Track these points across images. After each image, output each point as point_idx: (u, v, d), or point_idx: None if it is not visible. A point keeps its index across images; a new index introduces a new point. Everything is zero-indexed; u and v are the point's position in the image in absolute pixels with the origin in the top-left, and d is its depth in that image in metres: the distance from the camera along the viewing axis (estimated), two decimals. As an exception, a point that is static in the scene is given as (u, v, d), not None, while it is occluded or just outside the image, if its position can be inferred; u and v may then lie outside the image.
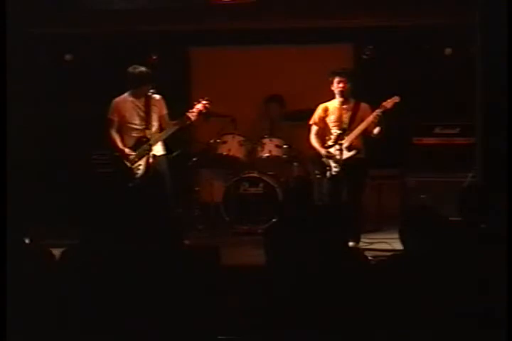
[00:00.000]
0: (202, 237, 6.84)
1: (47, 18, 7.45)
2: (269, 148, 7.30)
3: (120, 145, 6.30)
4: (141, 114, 6.35)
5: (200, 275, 3.67)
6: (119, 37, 7.84)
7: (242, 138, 7.33)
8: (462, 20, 6.58)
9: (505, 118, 5.55)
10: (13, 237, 3.81)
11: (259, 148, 7.33)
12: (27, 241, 4.23)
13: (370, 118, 6.26)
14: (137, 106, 6.36)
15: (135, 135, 6.35)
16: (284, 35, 7.83)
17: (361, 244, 6.28)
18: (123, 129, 6.36)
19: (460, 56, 7.53)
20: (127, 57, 7.11)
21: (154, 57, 7.80)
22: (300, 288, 3.41)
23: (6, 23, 5.52)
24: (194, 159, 7.41)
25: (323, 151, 6.37)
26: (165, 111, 6.41)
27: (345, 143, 6.26)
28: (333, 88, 6.40)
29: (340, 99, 6.41)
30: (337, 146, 6.25)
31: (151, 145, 6.30)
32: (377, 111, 6.23)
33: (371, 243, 6.44)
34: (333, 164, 6.29)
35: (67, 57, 7.96)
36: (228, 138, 7.33)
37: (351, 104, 6.42)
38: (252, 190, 7.28)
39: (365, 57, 7.84)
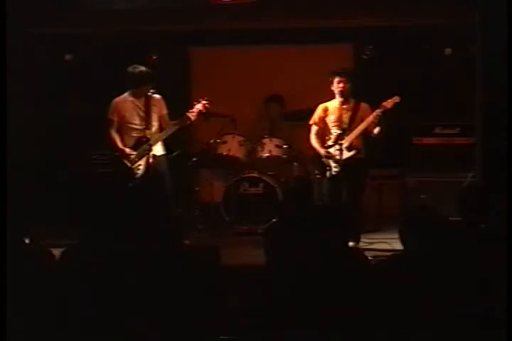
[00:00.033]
0: (202, 237, 6.84)
1: (47, 18, 7.45)
2: (269, 148, 7.30)
3: (120, 145, 6.30)
4: (141, 113, 6.35)
5: (200, 275, 3.67)
6: (119, 37, 7.84)
7: (242, 138, 7.33)
8: (462, 20, 6.58)
9: (505, 118, 5.55)
10: (13, 237, 3.81)
11: (259, 148, 7.33)
12: (27, 241, 4.23)
13: (370, 118, 6.26)
14: (137, 106, 6.36)
15: (135, 135, 6.34)
16: (284, 35, 7.83)
17: (361, 244, 6.28)
18: (123, 129, 6.36)
19: (460, 56, 7.53)
20: (127, 57, 7.11)
21: (154, 57, 7.79)
22: (300, 288, 3.41)
23: (6, 23, 5.52)
24: (194, 159, 7.41)
25: (322, 151, 6.36)
26: (165, 111, 6.41)
27: (345, 143, 6.25)
28: (333, 88, 6.40)
29: (340, 99, 6.41)
30: (337, 146, 6.25)
31: (151, 145, 6.30)
32: (378, 111, 6.23)
33: (371, 243, 6.44)
34: (333, 164, 6.28)
35: (67, 57, 7.96)
36: (228, 138, 7.33)
37: (351, 104, 6.41)
38: (252, 190, 7.28)
39: (365, 57, 7.84)
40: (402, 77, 7.52)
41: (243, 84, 7.95)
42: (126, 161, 6.29)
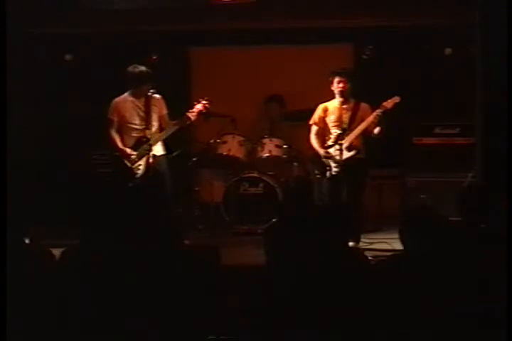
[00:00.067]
0: (202, 237, 6.84)
1: (47, 18, 7.45)
2: (269, 148, 7.30)
3: (120, 145, 6.30)
4: (141, 113, 6.35)
5: (200, 275, 3.67)
6: (119, 37, 7.84)
7: (242, 138, 7.33)
8: (462, 20, 6.58)
9: (505, 118, 5.55)
10: (13, 237, 3.81)
11: (259, 148, 7.32)
12: (27, 241, 4.23)
13: (371, 118, 6.26)
14: (137, 106, 6.36)
15: (135, 135, 6.34)
16: (284, 35, 7.83)
17: (361, 244, 6.28)
18: (123, 129, 6.36)
19: (460, 56, 7.53)
20: (127, 57, 7.10)
21: (154, 57, 7.79)
22: (300, 288, 3.41)
23: (6, 23, 5.52)
24: (194, 159, 7.40)
25: (322, 152, 6.36)
26: (165, 111, 6.41)
27: (345, 143, 6.25)
28: (333, 88, 6.40)
29: (340, 99, 6.41)
30: (337, 146, 6.25)
31: (151, 145, 6.30)
32: (378, 112, 6.23)
33: (371, 243, 6.44)
34: (333, 164, 6.28)
35: (67, 57, 7.96)
36: (228, 138, 7.33)
37: (351, 104, 6.41)
38: (252, 190, 7.28)
39: (365, 57, 7.84)
40: (402, 77, 7.52)
41: (243, 84, 7.95)
42: (126, 161, 6.29)
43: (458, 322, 3.19)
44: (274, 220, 6.78)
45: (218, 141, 7.29)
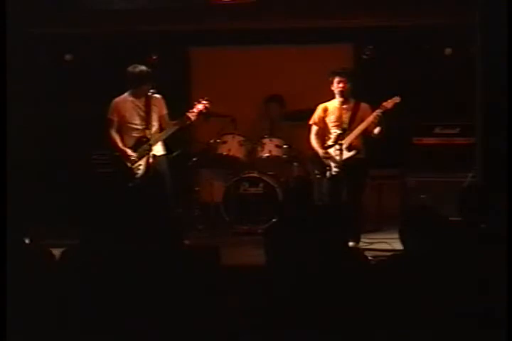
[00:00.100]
0: (202, 237, 6.84)
1: (47, 18, 7.45)
2: (269, 148, 7.30)
3: (120, 145, 6.30)
4: (142, 113, 6.34)
5: (200, 275, 3.66)
6: (119, 37, 7.84)
7: (242, 138, 7.33)
8: (462, 20, 6.58)
9: (505, 118, 5.55)
10: (13, 237, 3.81)
11: (259, 148, 7.33)
12: (27, 241, 4.23)
13: (371, 118, 6.26)
14: (137, 106, 6.35)
15: (135, 135, 6.34)
16: (284, 35, 7.83)
17: (361, 244, 6.28)
18: (123, 129, 6.36)
19: (460, 56, 7.53)
20: (127, 57, 7.10)
21: (154, 57, 7.79)
22: (300, 288, 3.41)
23: (6, 23, 5.52)
24: (194, 159, 7.41)
25: (321, 152, 6.37)
26: (165, 111, 6.41)
27: (345, 143, 6.25)
28: (333, 88, 6.40)
29: (340, 99, 6.40)
30: (337, 146, 6.25)
31: (151, 145, 6.30)
32: (378, 112, 6.23)
33: (371, 243, 6.44)
34: (333, 164, 6.29)
35: (67, 57, 7.96)
36: (228, 138, 7.33)
37: (351, 104, 6.41)
38: (252, 190, 7.28)
39: (365, 57, 7.84)
40: (402, 77, 7.52)
41: (243, 84, 7.95)
42: (126, 161, 6.29)
43: (458, 322, 3.19)
44: (274, 220, 6.78)
45: (218, 141, 7.29)
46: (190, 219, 7.24)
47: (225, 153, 7.29)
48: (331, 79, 6.38)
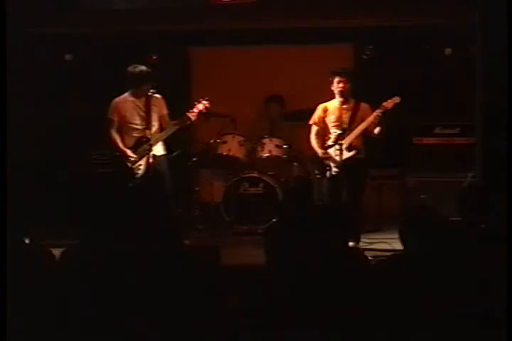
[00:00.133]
0: (202, 237, 6.84)
1: (47, 18, 7.46)
2: (269, 148, 7.30)
3: (121, 145, 6.30)
4: (142, 113, 6.34)
5: (200, 275, 3.66)
6: (119, 37, 7.84)
7: (242, 138, 7.33)
8: (462, 20, 6.58)
9: (505, 118, 5.55)
10: (13, 237, 3.81)
11: (259, 148, 7.33)
12: (27, 241, 4.23)
13: (371, 118, 6.26)
14: (137, 106, 6.35)
15: (135, 135, 6.34)
16: (284, 35, 7.83)
17: (361, 244, 6.28)
18: (123, 129, 6.36)
19: (460, 56, 7.53)
20: (127, 57, 7.10)
21: (154, 57, 7.79)
22: (300, 288, 3.41)
23: (6, 23, 5.52)
24: (194, 159, 7.41)
25: (320, 153, 6.37)
26: (165, 111, 6.41)
27: (345, 143, 6.25)
28: (333, 88, 6.40)
29: (340, 99, 6.40)
30: (337, 146, 6.25)
31: (151, 145, 6.29)
32: (378, 112, 6.23)
33: (371, 243, 6.44)
34: (333, 164, 6.29)
35: (67, 57, 7.96)
36: (228, 138, 7.33)
37: (351, 104, 6.41)
38: (252, 190, 7.28)
39: (365, 57, 7.84)
40: (402, 77, 7.53)
41: (243, 84, 7.95)
42: (126, 161, 6.29)
43: (458, 322, 3.19)
44: (274, 220, 6.78)
45: (218, 141, 7.29)
46: (190, 219, 7.24)
47: (225, 153, 7.29)
48: (331, 79, 6.38)
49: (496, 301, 3.23)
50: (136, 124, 6.34)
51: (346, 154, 6.24)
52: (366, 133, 6.33)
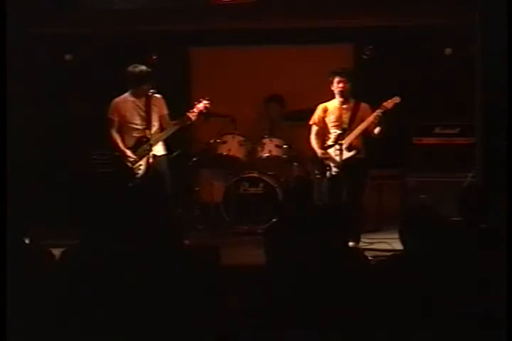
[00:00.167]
0: (202, 237, 6.84)
1: (47, 18, 7.46)
2: (269, 148, 7.30)
3: (121, 145, 6.30)
4: (142, 113, 6.34)
5: (200, 275, 3.66)
6: (119, 37, 7.84)
7: (242, 138, 7.33)
8: (462, 20, 6.58)
9: (505, 118, 5.55)
10: (13, 237, 3.81)
11: (259, 148, 7.32)
12: (27, 241, 4.23)
13: (371, 118, 6.26)
14: (138, 106, 6.35)
15: (135, 135, 6.34)
16: (284, 35, 7.83)
17: (361, 244, 6.28)
18: (123, 129, 6.36)
19: (460, 56, 7.53)
20: (127, 57, 7.10)
21: (154, 57, 7.79)
22: (300, 288, 3.41)
23: (6, 23, 5.52)
24: (194, 159, 7.41)
25: (319, 153, 6.37)
26: (165, 111, 6.41)
27: (345, 143, 6.25)
28: (333, 88, 6.40)
29: (340, 99, 6.40)
30: (337, 146, 6.25)
31: (151, 145, 6.29)
32: (378, 112, 6.23)
33: (371, 243, 6.44)
34: (332, 164, 6.29)
35: (67, 57, 7.96)
36: (228, 138, 7.33)
37: (351, 104, 6.41)
38: (252, 190, 7.28)
39: (365, 57, 7.84)
40: (402, 77, 7.53)
41: (243, 84, 7.95)
42: (126, 161, 6.29)
43: (458, 322, 3.19)
44: (274, 220, 6.78)
45: (218, 141, 7.29)
46: (190, 219, 7.24)
47: (225, 153, 7.29)
48: (330, 79, 6.38)
49: (496, 301, 3.23)
50: (137, 124, 6.34)
51: (346, 154, 6.24)
52: (366, 133, 6.33)
